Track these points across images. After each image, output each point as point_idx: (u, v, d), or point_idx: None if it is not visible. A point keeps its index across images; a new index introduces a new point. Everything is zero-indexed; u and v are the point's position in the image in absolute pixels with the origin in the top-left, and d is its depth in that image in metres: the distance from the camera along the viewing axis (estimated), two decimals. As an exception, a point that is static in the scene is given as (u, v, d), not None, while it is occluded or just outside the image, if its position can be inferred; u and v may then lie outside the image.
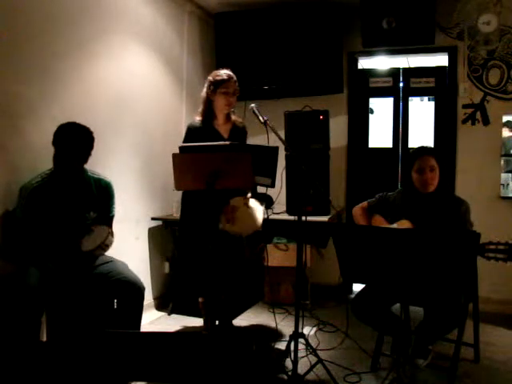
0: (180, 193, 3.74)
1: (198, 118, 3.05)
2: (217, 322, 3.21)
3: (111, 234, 2.61)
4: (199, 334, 2.54)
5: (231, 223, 2.78)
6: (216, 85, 2.94)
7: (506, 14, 3.85)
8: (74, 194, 2.62)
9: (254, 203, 2.85)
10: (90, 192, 2.68)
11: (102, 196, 2.73)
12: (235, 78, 2.99)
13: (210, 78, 2.99)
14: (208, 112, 2.98)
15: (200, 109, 3.04)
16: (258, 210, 2.84)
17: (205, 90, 3.01)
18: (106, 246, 2.56)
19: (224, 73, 2.97)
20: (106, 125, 3.29)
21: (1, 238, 2.54)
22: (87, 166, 2.71)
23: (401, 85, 4.41)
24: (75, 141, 2.55)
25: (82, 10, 3.07)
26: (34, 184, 2.49)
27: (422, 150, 2.75)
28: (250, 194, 2.90)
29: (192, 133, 2.98)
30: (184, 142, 2.96)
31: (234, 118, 3.11)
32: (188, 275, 3.02)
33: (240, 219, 2.76)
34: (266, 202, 2.91)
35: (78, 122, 2.63)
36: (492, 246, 2.14)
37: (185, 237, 3.08)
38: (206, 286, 3.01)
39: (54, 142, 2.56)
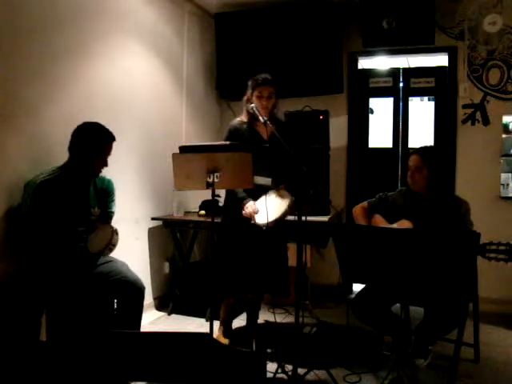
0: (180, 193, 3.73)
1: (238, 119, 3.06)
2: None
3: (116, 232, 2.61)
4: (199, 334, 2.53)
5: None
6: (252, 88, 2.96)
7: (506, 13, 3.85)
8: (80, 190, 2.63)
9: (282, 194, 2.83)
10: (94, 189, 2.70)
11: (103, 193, 2.75)
12: (272, 81, 2.96)
13: (249, 81, 3.00)
14: (250, 113, 2.97)
15: (244, 111, 3.04)
16: (280, 201, 2.80)
17: (246, 93, 3.02)
18: (113, 245, 2.57)
19: (261, 76, 2.96)
20: (105, 125, 3.27)
21: (1, 238, 2.54)
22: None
23: (401, 85, 4.41)
24: (105, 145, 2.62)
25: (82, 11, 3.07)
26: (40, 180, 2.48)
27: (415, 149, 2.78)
28: (282, 186, 2.90)
29: (233, 134, 2.98)
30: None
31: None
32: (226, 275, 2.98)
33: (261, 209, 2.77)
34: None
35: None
36: (493, 247, 2.14)
37: (225, 236, 3.05)
38: (239, 286, 3.01)
39: (81, 139, 2.58)
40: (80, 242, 2.53)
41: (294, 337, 2.49)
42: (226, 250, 3.02)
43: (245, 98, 3.02)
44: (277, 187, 2.90)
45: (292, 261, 2.96)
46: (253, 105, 2.88)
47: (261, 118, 2.78)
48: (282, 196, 2.82)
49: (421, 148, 2.79)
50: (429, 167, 2.65)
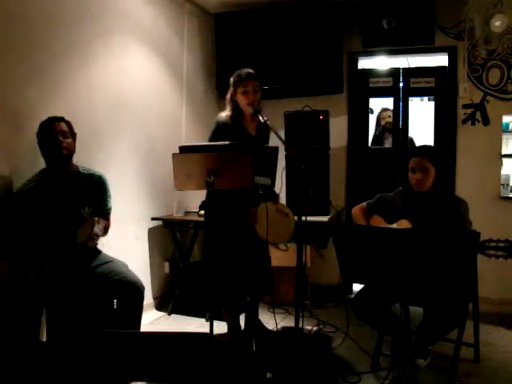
0: (180, 193, 3.72)
1: (224, 114, 2.96)
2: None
3: (97, 221, 2.47)
4: (199, 334, 2.54)
5: (260, 229, 2.71)
6: (235, 84, 2.89)
7: (506, 14, 3.84)
8: (67, 191, 2.59)
9: (285, 209, 2.79)
10: (82, 188, 2.64)
11: (95, 190, 2.69)
12: (256, 75, 2.89)
13: (231, 77, 2.93)
14: (235, 111, 2.91)
15: (228, 109, 2.97)
16: (290, 216, 2.76)
17: (229, 90, 2.95)
18: (95, 235, 2.47)
19: (244, 71, 2.89)
20: (106, 125, 3.29)
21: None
22: (81, 164, 2.71)
23: (401, 85, 4.41)
24: (51, 127, 2.55)
25: (82, 11, 3.07)
26: (24, 189, 2.47)
27: (418, 149, 2.77)
28: (279, 199, 2.85)
29: (220, 128, 2.89)
30: (211, 137, 2.88)
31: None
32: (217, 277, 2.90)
33: (274, 227, 2.68)
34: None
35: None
36: (492, 244, 2.14)
37: (212, 237, 2.93)
38: (232, 288, 2.94)
39: (39, 141, 2.56)
40: (69, 239, 2.48)
41: (294, 337, 2.49)
42: (215, 252, 2.92)
43: (228, 95, 2.95)
44: (274, 200, 2.85)
45: (292, 261, 2.95)
46: (253, 110, 2.83)
47: (260, 117, 2.76)
48: (286, 213, 2.79)
49: (422, 148, 2.79)
50: (436, 166, 2.65)
